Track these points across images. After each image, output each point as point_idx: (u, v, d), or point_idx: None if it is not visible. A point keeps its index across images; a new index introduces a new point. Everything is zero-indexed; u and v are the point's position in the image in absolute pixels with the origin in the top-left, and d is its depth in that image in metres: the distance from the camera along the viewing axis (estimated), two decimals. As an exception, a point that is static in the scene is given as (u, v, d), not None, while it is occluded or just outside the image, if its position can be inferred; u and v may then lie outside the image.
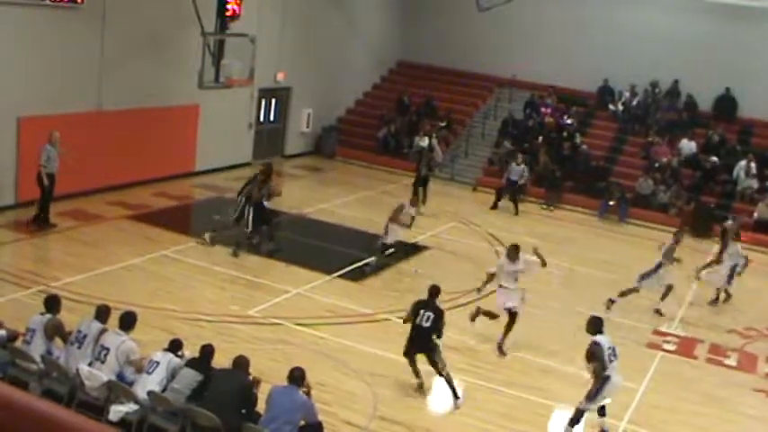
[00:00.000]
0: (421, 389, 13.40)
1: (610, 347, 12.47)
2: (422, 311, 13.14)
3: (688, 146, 30.94)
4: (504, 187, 27.90)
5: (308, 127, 31.87)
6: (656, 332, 17.75)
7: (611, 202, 28.03)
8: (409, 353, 13.34)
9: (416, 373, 13.40)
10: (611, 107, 33.43)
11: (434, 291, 13.53)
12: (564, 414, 12.99)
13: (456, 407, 13.15)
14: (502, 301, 15.48)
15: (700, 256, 21.84)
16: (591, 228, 26.78)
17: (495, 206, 27.41)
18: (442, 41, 35.10)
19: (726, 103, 32.55)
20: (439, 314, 13.19)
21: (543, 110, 33.10)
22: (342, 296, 17.45)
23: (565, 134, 31.59)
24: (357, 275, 18.82)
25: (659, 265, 18.44)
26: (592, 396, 12.46)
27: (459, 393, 13.23)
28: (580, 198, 28.80)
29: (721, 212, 27.68)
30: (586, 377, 12.56)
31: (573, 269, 21.43)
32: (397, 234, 19.70)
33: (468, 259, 20.97)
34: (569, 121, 32.23)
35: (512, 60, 33.89)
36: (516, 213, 27.15)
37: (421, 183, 26.00)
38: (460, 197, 28.88)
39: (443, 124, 32.46)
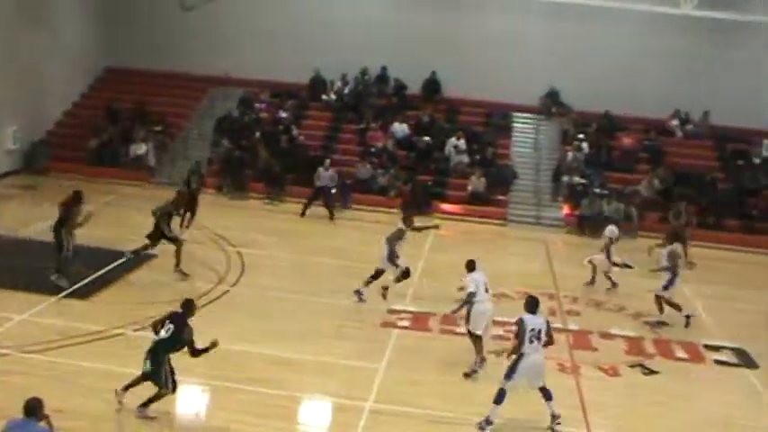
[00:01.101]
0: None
1: (534, 329, 12.83)
2: (167, 322, 12.49)
3: (401, 129, 32.07)
4: (313, 195, 27.64)
5: (14, 144, 30.17)
6: (391, 311, 18.26)
7: (333, 190, 28.52)
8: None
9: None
10: (325, 97, 34.03)
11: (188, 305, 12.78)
12: (311, 404, 13.10)
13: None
14: None
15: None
16: (316, 218, 27.10)
17: (303, 214, 27.16)
18: (149, 45, 34.21)
19: (432, 85, 34.04)
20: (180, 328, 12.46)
21: (258, 105, 33.16)
22: (71, 316, 16.64)
23: (281, 127, 31.81)
24: (85, 293, 17.99)
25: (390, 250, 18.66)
26: (508, 373, 12.89)
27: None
28: (302, 190, 29.06)
29: (438, 189, 28.96)
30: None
31: (304, 259, 21.60)
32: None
33: (199, 263, 20.62)
34: (284, 115, 32.49)
35: (224, 58, 33.60)
36: (332, 219, 27.13)
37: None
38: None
39: (159, 129, 31.78)
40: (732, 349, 17.83)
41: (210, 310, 17.00)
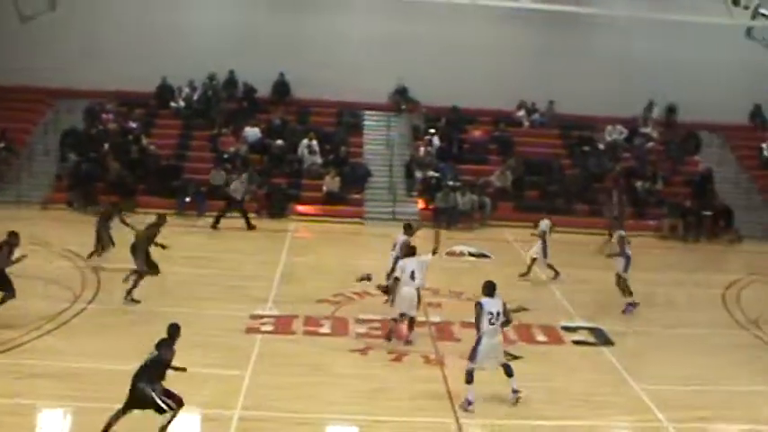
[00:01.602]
0: None
1: (492, 312, 13.65)
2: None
3: (252, 132, 31.86)
4: (227, 207, 27.31)
5: None
6: (253, 316, 18.10)
7: (188, 199, 28.08)
8: None
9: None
10: (173, 104, 33.47)
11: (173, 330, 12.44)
12: (179, 418, 12.85)
13: None
14: None
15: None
16: (171, 227, 26.50)
17: (215, 226, 26.79)
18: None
19: (282, 87, 33.93)
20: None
21: (105, 116, 32.26)
22: None
23: (131, 138, 31.10)
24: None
25: None
26: (471, 356, 13.81)
27: None
28: (155, 200, 28.48)
29: (294, 191, 28.89)
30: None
31: (162, 269, 21.10)
32: None
33: (53, 282, 19.94)
34: (133, 125, 31.78)
35: (67, 70, 32.47)
36: (249, 228, 26.76)
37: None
38: (30, 218, 27.23)
39: (2, 146, 30.58)
40: (588, 329, 18.44)
41: (70, 329, 16.52)
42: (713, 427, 14.25)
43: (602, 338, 18.08)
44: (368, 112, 34.59)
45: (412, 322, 16.92)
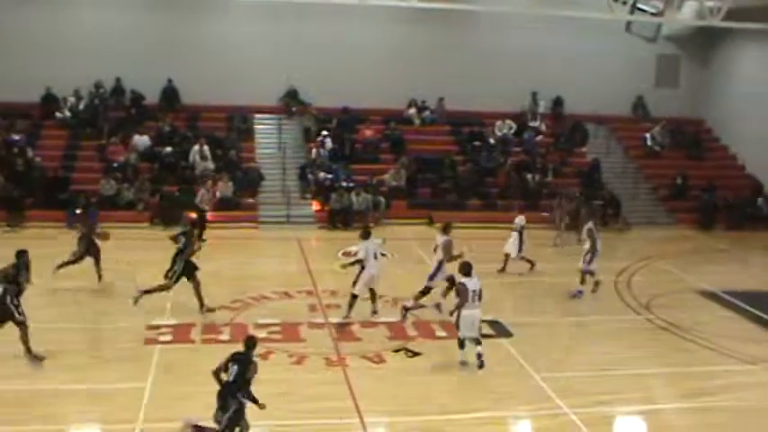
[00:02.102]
0: None
1: (474, 290, 15.76)
2: (230, 365, 11.89)
3: (141, 140, 31.34)
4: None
5: None
6: (150, 327, 17.80)
7: (78, 211, 27.43)
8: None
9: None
10: (59, 114, 32.65)
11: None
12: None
13: None
14: None
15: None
16: (64, 240, 25.95)
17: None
18: None
19: (170, 94, 33.46)
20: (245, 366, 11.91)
21: (-16, 129, 31.27)
22: None
23: (16, 150, 30.21)
24: None
25: None
26: (456, 325, 16.02)
27: None
28: (44, 213, 27.78)
29: (186, 198, 28.43)
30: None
31: (55, 285, 20.55)
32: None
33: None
34: (17, 137, 30.84)
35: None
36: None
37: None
38: None
39: None
40: (487, 322, 18.69)
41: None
42: (612, 410, 14.70)
43: (501, 330, 18.38)
44: (258, 116, 34.33)
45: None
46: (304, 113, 34.00)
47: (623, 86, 36.43)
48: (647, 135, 35.79)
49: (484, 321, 18.66)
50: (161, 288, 18.63)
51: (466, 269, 16.07)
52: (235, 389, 11.74)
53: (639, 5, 27.89)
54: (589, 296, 20.80)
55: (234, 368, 11.81)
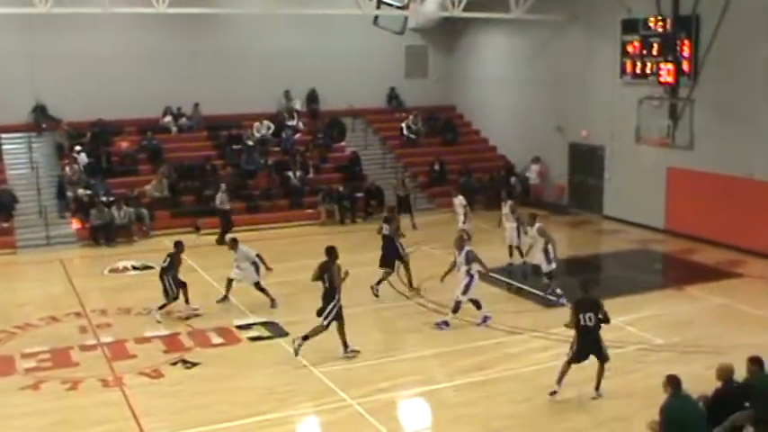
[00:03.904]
0: None
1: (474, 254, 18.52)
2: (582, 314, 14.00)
3: None
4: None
5: None
6: None
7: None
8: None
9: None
10: None
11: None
12: None
13: None
14: None
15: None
16: None
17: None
18: None
19: None
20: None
21: None
22: None
23: None
24: None
25: None
26: (464, 291, 18.40)
27: None
28: None
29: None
30: None
31: None
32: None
33: None
34: None
35: None
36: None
37: None
38: None
39: None
40: (263, 324, 18.75)
41: None
42: (393, 395, 15.13)
43: (278, 331, 18.48)
44: (5, 135, 32.60)
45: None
46: (56, 129, 32.65)
47: (376, 79, 37.38)
48: (403, 125, 36.82)
49: (259, 324, 18.85)
50: None
51: (461, 241, 19.20)
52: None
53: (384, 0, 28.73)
54: (362, 287, 21.12)
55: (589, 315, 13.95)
